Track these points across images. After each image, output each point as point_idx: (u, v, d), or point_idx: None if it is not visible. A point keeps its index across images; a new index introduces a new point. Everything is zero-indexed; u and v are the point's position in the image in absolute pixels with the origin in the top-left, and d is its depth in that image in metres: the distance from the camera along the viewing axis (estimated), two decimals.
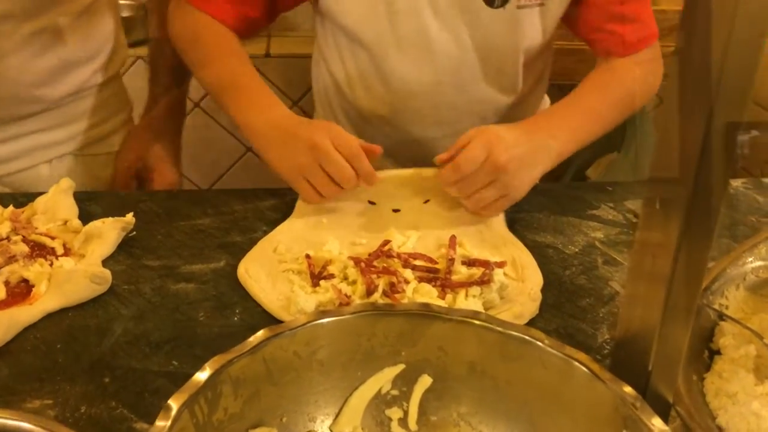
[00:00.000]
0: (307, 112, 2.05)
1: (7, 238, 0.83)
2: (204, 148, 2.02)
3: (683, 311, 0.49)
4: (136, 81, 1.26)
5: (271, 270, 0.81)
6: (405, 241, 0.85)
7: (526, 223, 0.93)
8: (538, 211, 0.96)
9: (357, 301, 0.75)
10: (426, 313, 0.56)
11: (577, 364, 0.51)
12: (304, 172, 0.87)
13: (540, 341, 0.53)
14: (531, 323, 0.75)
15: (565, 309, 0.77)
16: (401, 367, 0.57)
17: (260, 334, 0.52)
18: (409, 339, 0.56)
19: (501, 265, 0.79)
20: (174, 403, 0.45)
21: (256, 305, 0.76)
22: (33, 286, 0.76)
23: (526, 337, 0.53)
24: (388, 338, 0.56)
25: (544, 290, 0.79)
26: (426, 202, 0.93)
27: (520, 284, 0.79)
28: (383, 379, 0.57)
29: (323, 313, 0.55)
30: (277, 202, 0.96)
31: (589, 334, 0.73)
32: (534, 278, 0.80)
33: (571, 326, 0.74)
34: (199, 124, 1.98)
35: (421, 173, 0.95)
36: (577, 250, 0.88)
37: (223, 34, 1.01)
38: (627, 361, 0.53)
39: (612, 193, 1.01)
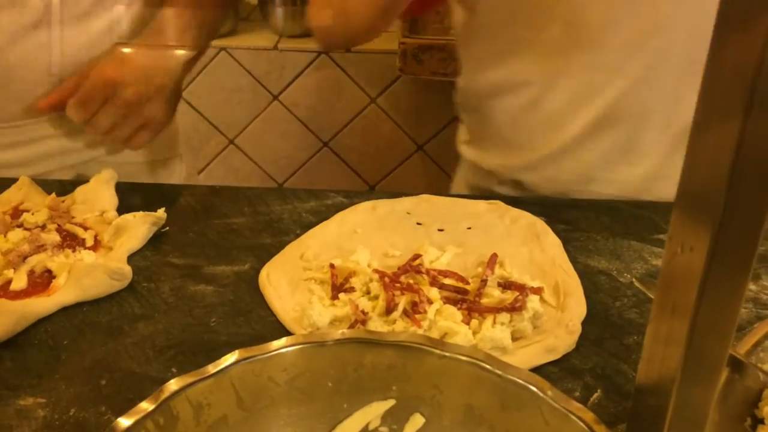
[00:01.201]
0: (385, 110, 2.02)
1: (43, 226, 0.83)
2: (281, 142, 2.03)
3: (709, 364, 0.40)
4: None
5: (294, 277, 0.77)
6: (439, 256, 0.79)
7: (581, 245, 0.85)
8: (597, 232, 0.88)
9: (375, 318, 0.69)
10: (419, 346, 0.50)
11: (578, 423, 0.44)
12: None
13: (543, 392, 0.46)
14: (565, 359, 0.67)
15: (606, 346, 0.69)
16: (391, 402, 0.51)
17: (229, 356, 0.47)
18: (402, 373, 0.51)
19: (537, 291, 0.71)
20: (118, 428, 0.42)
21: (272, 314, 0.72)
22: (55, 277, 0.76)
23: (528, 386, 0.47)
24: (378, 370, 0.51)
25: (586, 322, 0.71)
26: (468, 228, 0.87)
27: (558, 314, 0.72)
28: (371, 414, 0.52)
29: (305, 338, 0.50)
30: (316, 205, 0.92)
31: (629, 378, 0.65)
32: (576, 308, 0.72)
33: (609, 366, 0.66)
34: (277, 117, 1.98)
35: (468, 202, 0.93)
36: (633, 279, 0.79)
37: None
38: (643, 418, 0.45)
39: None
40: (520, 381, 0.47)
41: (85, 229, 0.84)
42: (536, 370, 0.65)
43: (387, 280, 0.72)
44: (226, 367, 0.47)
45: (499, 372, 0.48)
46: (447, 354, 0.49)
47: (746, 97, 0.32)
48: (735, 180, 0.33)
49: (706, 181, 0.36)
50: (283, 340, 0.49)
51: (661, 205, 0.95)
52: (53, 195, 0.89)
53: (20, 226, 0.83)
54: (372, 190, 2.12)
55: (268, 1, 1.99)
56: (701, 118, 0.36)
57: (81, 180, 0.94)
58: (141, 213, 0.84)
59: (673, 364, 0.40)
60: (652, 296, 0.68)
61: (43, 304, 0.71)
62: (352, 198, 0.94)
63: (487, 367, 0.48)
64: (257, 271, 0.78)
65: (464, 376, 0.49)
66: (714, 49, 0.34)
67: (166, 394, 0.44)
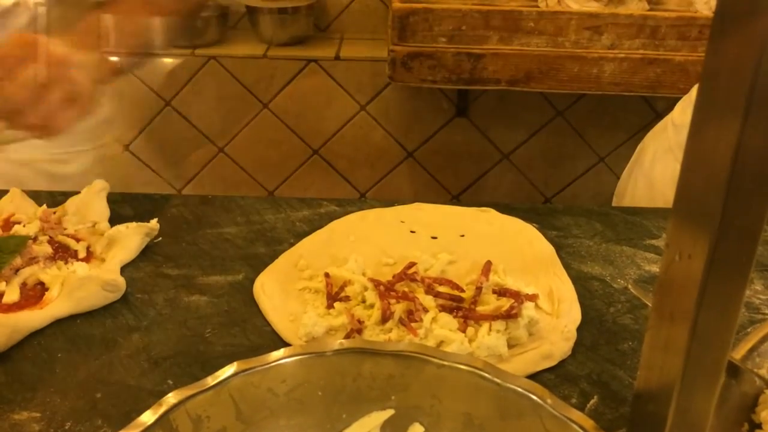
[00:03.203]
0: (375, 117, 2.02)
1: (35, 238, 0.82)
2: (271, 149, 2.02)
3: (709, 371, 0.40)
4: None
5: (288, 286, 0.77)
6: (433, 263, 0.79)
7: (574, 251, 0.85)
8: (589, 238, 0.88)
9: (371, 327, 0.69)
10: (417, 355, 0.50)
11: (578, 430, 0.44)
12: None
13: (542, 400, 0.46)
14: (561, 365, 0.67)
15: (602, 352, 0.69)
16: (390, 412, 0.51)
17: (228, 368, 0.47)
18: (400, 382, 0.51)
19: (532, 298, 0.72)
20: None
21: (267, 324, 0.72)
22: (48, 289, 0.75)
23: (527, 394, 0.47)
24: (376, 380, 0.51)
25: (581, 328, 0.71)
26: (461, 236, 0.87)
27: (553, 320, 0.72)
28: (370, 424, 0.52)
29: (303, 349, 0.50)
30: (309, 213, 0.92)
31: (625, 384, 0.65)
32: (571, 314, 0.73)
33: (606, 372, 0.67)
34: (267, 125, 1.97)
35: (460, 209, 0.94)
36: (626, 284, 0.79)
37: None
38: (643, 425, 0.45)
39: None
40: (520, 389, 0.47)
41: (77, 240, 0.83)
42: (533, 377, 0.65)
43: (382, 288, 0.72)
44: (225, 379, 0.47)
45: (498, 380, 0.48)
46: (446, 363, 0.49)
47: (745, 99, 0.32)
48: (733, 186, 0.34)
49: (704, 188, 0.36)
50: (281, 351, 0.49)
51: (652, 211, 0.96)
52: (44, 206, 0.88)
53: None
54: (362, 197, 2.12)
55: (256, 9, 1.99)
56: (698, 122, 0.36)
57: (71, 192, 0.94)
58: (134, 224, 0.83)
59: (673, 371, 0.40)
60: (647, 302, 0.69)
61: (36, 317, 0.71)
62: (345, 206, 0.94)
63: (486, 375, 0.48)
64: (251, 281, 0.78)
65: (463, 385, 0.49)
66: (711, 50, 0.34)
67: (165, 407, 0.44)
